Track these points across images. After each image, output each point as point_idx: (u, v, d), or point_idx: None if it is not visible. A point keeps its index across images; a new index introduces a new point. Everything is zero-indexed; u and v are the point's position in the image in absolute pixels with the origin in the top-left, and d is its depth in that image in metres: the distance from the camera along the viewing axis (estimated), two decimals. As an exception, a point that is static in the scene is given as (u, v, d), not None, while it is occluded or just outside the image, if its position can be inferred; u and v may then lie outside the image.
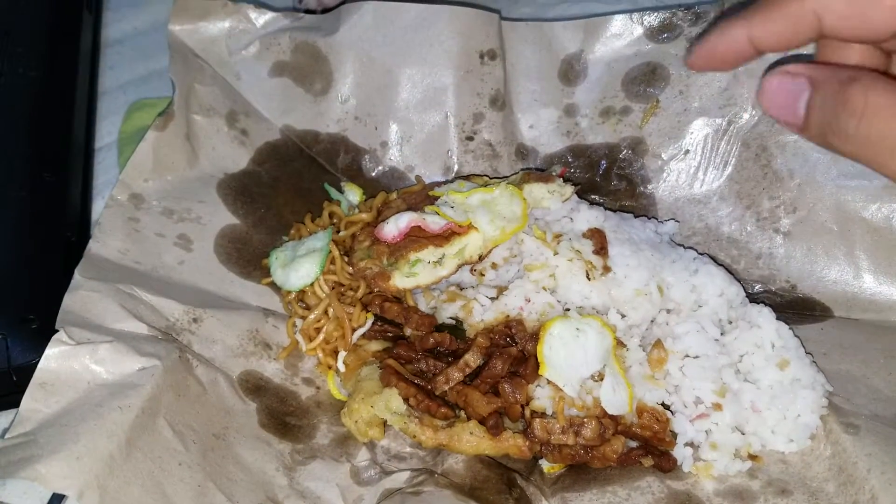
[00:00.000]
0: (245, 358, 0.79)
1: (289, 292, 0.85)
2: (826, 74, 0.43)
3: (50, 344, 0.66)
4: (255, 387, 0.78)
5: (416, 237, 0.82)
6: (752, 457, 0.74)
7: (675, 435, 0.75)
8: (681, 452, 0.75)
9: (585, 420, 0.73)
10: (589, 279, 0.78)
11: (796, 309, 0.87)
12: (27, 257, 0.79)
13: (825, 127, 0.42)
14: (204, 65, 0.92)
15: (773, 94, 0.45)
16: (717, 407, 0.74)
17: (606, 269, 0.79)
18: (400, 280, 0.81)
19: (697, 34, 0.87)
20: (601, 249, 0.80)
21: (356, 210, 0.92)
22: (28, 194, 0.83)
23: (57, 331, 0.67)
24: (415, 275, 0.80)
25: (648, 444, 0.75)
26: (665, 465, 0.74)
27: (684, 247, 0.87)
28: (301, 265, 0.83)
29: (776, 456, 0.74)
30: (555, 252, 0.80)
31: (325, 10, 1.00)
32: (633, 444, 0.76)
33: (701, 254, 0.85)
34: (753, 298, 0.85)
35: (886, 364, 0.78)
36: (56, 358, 0.65)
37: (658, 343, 0.77)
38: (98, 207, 0.92)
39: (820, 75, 0.43)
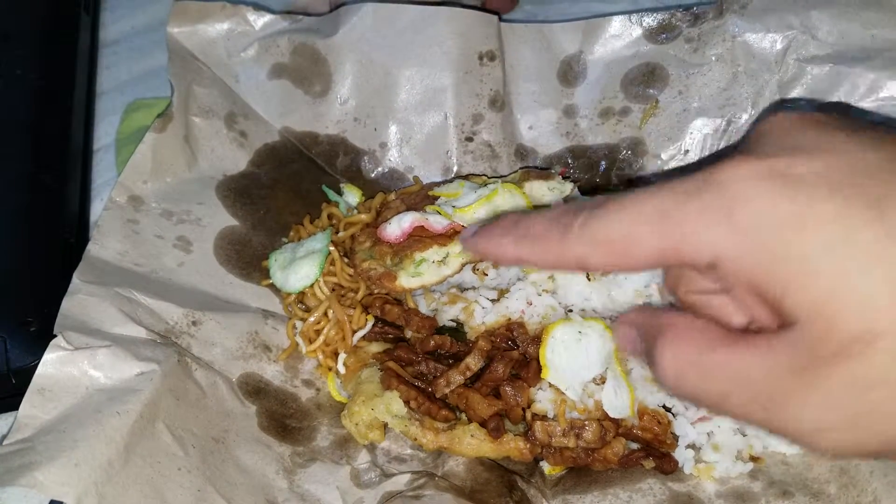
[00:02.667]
0: (245, 360, 0.79)
1: (289, 294, 0.84)
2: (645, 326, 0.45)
3: (48, 349, 0.65)
4: (254, 389, 0.77)
5: (419, 237, 0.81)
6: (754, 458, 0.74)
7: (676, 437, 0.75)
8: (682, 454, 0.74)
9: (586, 422, 0.73)
10: (589, 280, 0.78)
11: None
12: (26, 259, 0.79)
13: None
14: (203, 67, 0.91)
15: (624, 342, 0.48)
16: (719, 409, 0.74)
17: (607, 270, 0.79)
18: (405, 280, 0.80)
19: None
20: (602, 250, 0.80)
21: (355, 211, 0.91)
22: (26, 196, 0.82)
23: (55, 335, 0.67)
24: (420, 274, 0.80)
25: (650, 447, 0.75)
26: (666, 467, 0.73)
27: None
28: (300, 267, 0.83)
29: (778, 457, 0.74)
30: (555, 252, 0.79)
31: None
32: (635, 446, 0.76)
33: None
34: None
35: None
36: (54, 363, 0.65)
37: (660, 345, 0.76)
38: (97, 209, 0.91)
39: (643, 321, 0.46)
